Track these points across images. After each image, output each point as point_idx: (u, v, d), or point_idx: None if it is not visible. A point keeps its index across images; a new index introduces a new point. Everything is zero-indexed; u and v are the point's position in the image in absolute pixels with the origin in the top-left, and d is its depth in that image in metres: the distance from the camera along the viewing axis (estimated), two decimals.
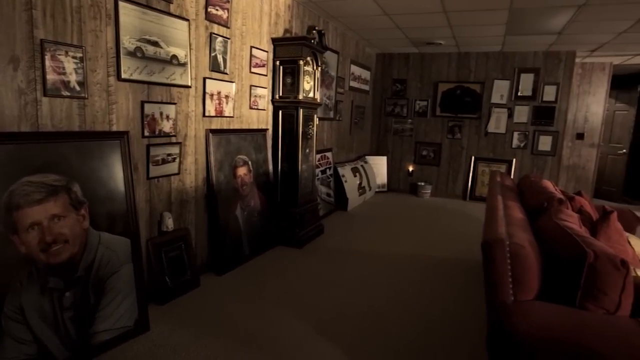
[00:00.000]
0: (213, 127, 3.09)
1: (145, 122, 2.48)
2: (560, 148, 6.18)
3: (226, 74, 3.16)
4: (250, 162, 3.50)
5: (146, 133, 2.49)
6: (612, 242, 1.96)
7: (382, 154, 6.97)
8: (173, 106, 2.67)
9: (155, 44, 2.47)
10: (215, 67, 3.03)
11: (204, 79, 2.93)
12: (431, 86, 6.64)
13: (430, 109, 6.68)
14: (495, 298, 1.44)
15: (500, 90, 6.30)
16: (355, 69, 5.99)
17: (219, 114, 3.13)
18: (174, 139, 2.72)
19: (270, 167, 3.78)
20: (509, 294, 1.43)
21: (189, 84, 2.77)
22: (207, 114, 2.99)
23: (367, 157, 6.67)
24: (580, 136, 6.88)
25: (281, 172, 3.83)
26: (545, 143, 6.20)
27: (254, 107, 3.56)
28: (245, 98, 3.46)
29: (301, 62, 3.66)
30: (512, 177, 6.14)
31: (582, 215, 2.17)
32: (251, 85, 3.50)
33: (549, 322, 1.35)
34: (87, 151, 2.08)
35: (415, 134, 6.83)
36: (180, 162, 2.79)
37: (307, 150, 3.96)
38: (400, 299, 2.85)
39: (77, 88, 2.06)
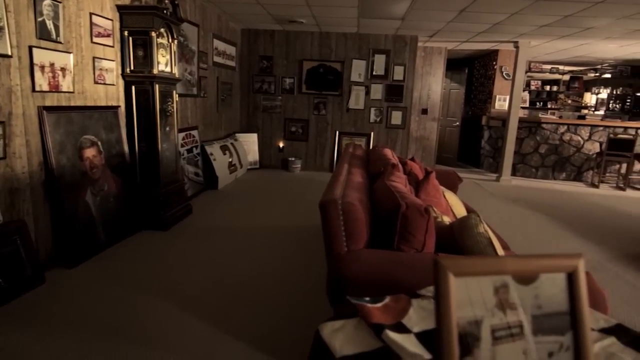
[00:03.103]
0: (47, 104, 2.73)
1: None
2: (408, 122, 7.05)
3: (60, 43, 2.79)
4: (100, 143, 3.20)
5: None
6: (429, 196, 2.39)
7: (253, 131, 7.01)
8: None
9: None
10: (44, 34, 2.65)
11: (30, 47, 2.54)
12: (297, 64, 6.86)
13: (297, 86, 6.92)
14: (332, 250, 1.65)
15: (358, 69, 6.84)
16: (219, 44, 5.83)
17: (55, 89, 2.77)
18: None
19: (126, 147, 3.52)
20: (343, 246, 1.65)
21: (9, 53, 2.38)
22: (38, 88, 2.62)
23: (237, 134, 6.63)
24: (424, 111, 7.92)
25: (139, 152, 3.59)
26: (396, 118, 6.99)
27: (100, 81, 3.23)
28: (88, 71, 3.11)
29: (153, 34, 3.43)
30: (370, 149, 6.81)
31: (409, 177, 2.57)
32: (94, 57, 3.16)
33: (373, 264, 1.61)
34: None
35: (284, 110, 7.02)
36: (5, 145, 2.41)
37: (168, 129, 3.78)
38: (268, 268, 3.00)
39: None
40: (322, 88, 6.88)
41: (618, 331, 1.05)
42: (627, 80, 9.28)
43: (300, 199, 5.11)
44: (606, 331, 1.05)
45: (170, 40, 3.74)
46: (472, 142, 8.74)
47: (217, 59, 5.74)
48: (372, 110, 6.94)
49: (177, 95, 3.94)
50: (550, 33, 5.86)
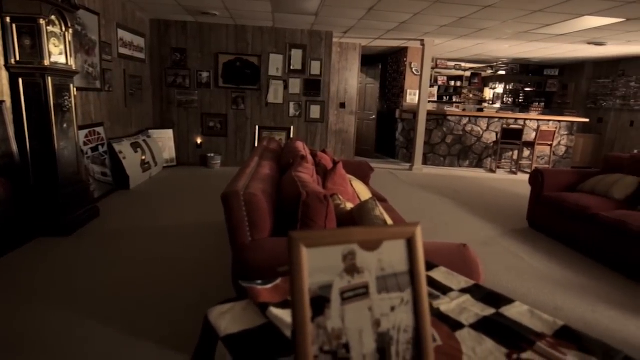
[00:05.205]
0: None
1: None
2: (327, 116, 7.24)
3: None
4: None
5: None
6: (336, 185, 2.52)
7: (168, 127, 6.70)
8: None
9: None
10: None
11: None
12: (212, 57, 6.68)
13: (214, 80, 6.75)
14: (236, 241, 1.68)
15: (275, 64, 6.86)
16: (125, 35, 5.47)
17: None
18: None
19: (14, 146, 3.18)
20: (246, 236, 1.69)
21: None
22: None
23: (150, 131, 6.29)
24: (342, 105, 8.20)
25: (31, 152, 3.27)
26: (315, 112, 7.15)
27: None
28: None
29: (42, 22, 3.13)
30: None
31: (319, 168, 2.68)
32: None
33: (275, 251, 1.67)
34: None
35: (201, 105, 6.81)
36: None
37: (66, 125, 3.49)
38: (180, 266, 2.93)
39: None
40: (240, 82, 6.80)
41: (474, 290, 1.23)
42: (517, 77, 10.46)
43: (219, 195, 5.01)
44: (465, 290, 1.23)
45: (63, 28, 3.44)
46: (387, 134, 9.24)
47: (123, 51, 5.39)
48: (292, 104, 7.01)
49: (75, 89, 3.65)
50: (450, 33, 6.39)
